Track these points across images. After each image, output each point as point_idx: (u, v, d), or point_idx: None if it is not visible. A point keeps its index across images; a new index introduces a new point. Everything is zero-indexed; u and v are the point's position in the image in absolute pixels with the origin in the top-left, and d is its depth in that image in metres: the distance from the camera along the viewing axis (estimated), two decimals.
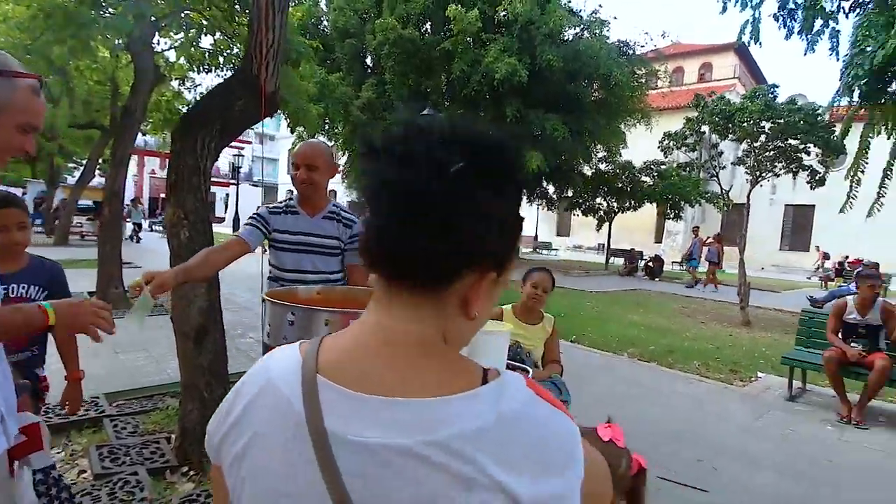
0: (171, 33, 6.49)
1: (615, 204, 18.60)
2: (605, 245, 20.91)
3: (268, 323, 1.50)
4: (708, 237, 15.70)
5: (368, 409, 0.52)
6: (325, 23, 17.58)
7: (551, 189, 19.98)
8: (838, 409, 4.30)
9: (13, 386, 1.11)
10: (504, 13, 14.24)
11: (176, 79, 8.63)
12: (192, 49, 6.51)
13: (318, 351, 0.58)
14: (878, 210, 11.07)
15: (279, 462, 0.54)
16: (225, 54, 6.73)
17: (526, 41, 14.05)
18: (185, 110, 9.33)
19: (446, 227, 0.52)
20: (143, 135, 16.18)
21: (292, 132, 14.26)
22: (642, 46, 17.41)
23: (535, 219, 28.88)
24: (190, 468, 2.74)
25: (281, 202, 2.35)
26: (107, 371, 4.26)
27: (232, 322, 3.41)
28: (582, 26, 15.96)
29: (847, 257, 15.82)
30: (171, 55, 7.50)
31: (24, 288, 1.86)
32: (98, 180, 16.35)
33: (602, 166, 18.83)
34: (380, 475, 0.50)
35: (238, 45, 6.25)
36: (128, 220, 18.41)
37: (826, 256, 20.89)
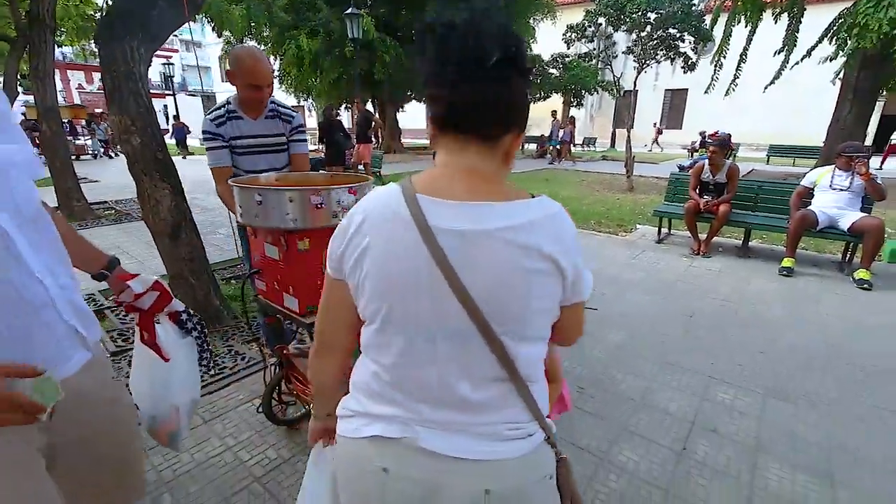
0: None
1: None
2: None
3: (239, 205, 1.48)
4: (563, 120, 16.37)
5: (458, 210, 0.67)
6: None
7: None
8: (692, 245, 4.88)
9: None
10: None
11: None
12: None
13: (411, 181, 0.69)
14: (734, 90, 11.57)
15: (397, 250, 0.66)
16: None
17: None
18: (98, 16, 7.71)
19: (498, 102, 0.66)
20: (59, 46, 13.34)
21: (219, 36, 12.24)
22: None
23: None
24: None
25: (220, 108, 2.05)
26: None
27: (201, 222, 3.23)
28: None
29: (705, 132, 16.66)
30: None
31: None
32: (23, 97, 13.73)
33: None
34: (469, 249, 0.64)
35: None
36: (94, 137, 16.36)
37: (660, 132, 22.75)
